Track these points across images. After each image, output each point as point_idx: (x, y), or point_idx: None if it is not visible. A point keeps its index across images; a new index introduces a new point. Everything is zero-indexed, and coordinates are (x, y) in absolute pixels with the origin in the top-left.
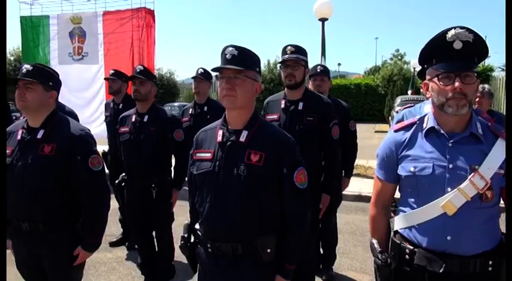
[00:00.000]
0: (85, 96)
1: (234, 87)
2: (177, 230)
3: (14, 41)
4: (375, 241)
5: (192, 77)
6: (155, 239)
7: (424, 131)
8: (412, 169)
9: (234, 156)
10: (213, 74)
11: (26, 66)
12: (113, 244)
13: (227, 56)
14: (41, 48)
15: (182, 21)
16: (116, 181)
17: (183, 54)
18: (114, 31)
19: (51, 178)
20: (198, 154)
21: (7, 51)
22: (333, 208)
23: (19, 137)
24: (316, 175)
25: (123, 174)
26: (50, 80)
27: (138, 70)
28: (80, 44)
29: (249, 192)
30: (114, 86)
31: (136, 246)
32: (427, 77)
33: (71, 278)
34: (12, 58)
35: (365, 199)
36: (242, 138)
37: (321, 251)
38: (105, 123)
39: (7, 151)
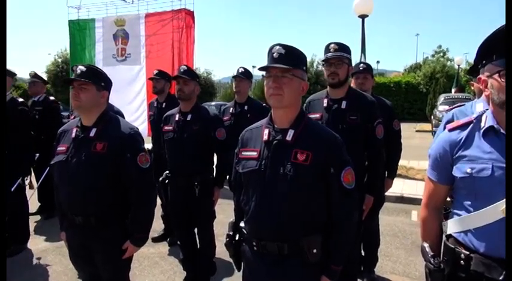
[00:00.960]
0: (127, 96)
1: (281, 86)
2: (216, 227)
3: (61, 44)
4: (426, 245)
5: (233, 76)
6: (197, 237)
7: (482, 130)
8: (468, 170)
9: (280, 155)
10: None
11: (80, 68)
12: (155, 240)
13: (274, 54)
14: (88, 50)
15: (218, 21)
16: (160, 179)
17: (219, 54)
18: (155, 33)
19: (103, 174)
20: (243, 153)
21: (55, 53)
22: (375, 209)
23: (73, 135)
24: (360, 175)
25: (167, 172)
26: (102, 81)
27: (182, 70)
28: (123, 45)
29: (295, 191)
30: (157, 85)
31: (178, 242)
32: (486, 73)
33: (119, 270)
34: (60, 60)
35: (406, 200)
36: (288, 138)
37: (362, 253)
38: (146, 122)
39: (62, 148)
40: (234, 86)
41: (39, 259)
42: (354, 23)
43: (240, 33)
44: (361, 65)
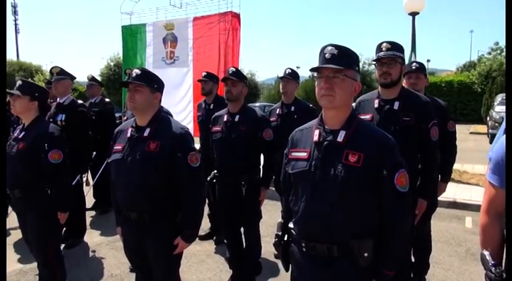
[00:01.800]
0: (174, 97)
1: (332, 86)
2: (261, 228)
3: (114, 49)
4: (486, 253)
5: (280, 77)
6: (243, 236)
7: None
8: None
9: (331, 156)
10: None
11: (136, 71)
12: (202, 238)
13: (326, 55)
14: (139, 53)
15: (262, 22)
16: (208, 178)
17: (263, 55)
18: (202, 35)
19: (156, 173)
20: (293, 153)
21: (108, 57)
22: (428, 214)
23: (128, 134)
24: (413, 178)
25: (215, 171)
26: (155, 83)
27: (230, 72)
28: (172, 48)
29: (346, 193)
30: (206, 87)
31: (225, 241)
32: None
33: (170, 265)
34: (112, 64)
35: (460, 206)
36: (340, 139)
37: (412, 258)
38: (192, 122)
39: (118, 147)
40: (281, 87)
41: (94, 251)
42: (403, 20)
43: (284, 34)
44: (414, 64)
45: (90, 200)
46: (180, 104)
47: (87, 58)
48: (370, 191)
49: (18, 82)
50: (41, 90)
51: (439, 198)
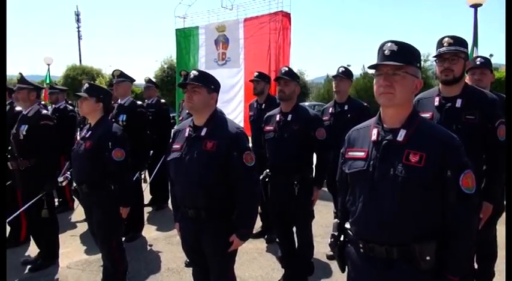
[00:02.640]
0: (226, 97)
1: (392, 84)
2: (313, 228)
3: (167, 51)
4: None
5: (333, 76)
6: (295, 235)
7: None
8: None
9: (391, 156)
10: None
11: (193, 72)
12: (253, 236)
13: (385, 52)
14: (192, 55)
15: (311, 20)
16: (260, 177)
17: (312, 54)
18: (253, 35)
19: (213, 171)
20: (350, 153)
21: (162, 60)
22: (493, 218)
23: (186, 134)
24: (478, 180)
25: (267, 170)
26: (212, 84)
27: (283, 71)
28: (223, 50)
29: (407, 194)
30: (258, 87)
31: (277, 240)
32: None
33: (225, 262)
34: (165, 66)
35: None
36: (400, 138)
37: (475, 265)
38: (242, 122)
39: (177, 146)
40: (333, 85)
41: (151, 246)
42: (464, 12)
43: (334, 31)
44: (479, 59)
45: (147, 197)
46: (231, 104)
47: (142, 61)
48: (432, 192)
49: (85, 85)
50: (105, 92)
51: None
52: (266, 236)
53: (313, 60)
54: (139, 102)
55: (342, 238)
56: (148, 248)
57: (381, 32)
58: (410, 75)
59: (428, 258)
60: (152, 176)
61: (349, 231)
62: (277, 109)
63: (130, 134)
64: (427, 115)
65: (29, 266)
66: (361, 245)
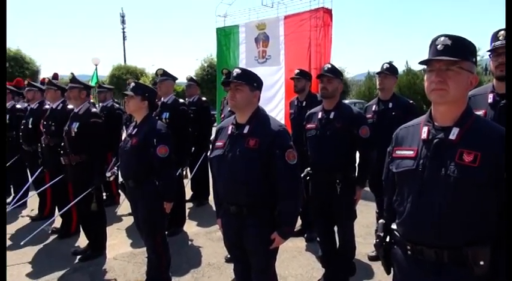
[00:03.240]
0: (267, 95)
1: (445, 80)
2: (354, 228)
3: (207, 50)
4: None
5: (377, 73)
6: (336, 235)
7: None
8: None
9: (442, 155)
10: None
11: (236, 70)
12: (293, 234)
13: (438, 46)
14: (232, 54)
15: (351, 17)
16: (302, 175)
17: (351, 51)
18: (293, 32)
19: (255, 169)
20: (398, 152)
21: (202, 59)
22: None
23: (229, 131)
24: None
25: (308, 168)
26: (254, 82)
27: (326, 68)
28: (263, 48)
29: (459, 195)
30: (298, 84)
31: (318, 239)
32: None
33: (267, 259)
34: (205, 65)
35: None
36: (452, 136)
37: None
38: (283, 120)
39: (220, 143)
40: (377, 82)
41: (191, 240)
42: None
43: (375, 27)
44: None
45: (188, 193)
46: (272, 102)
47: (183, 60)
48: (487, 194)
49: (132, 84)
50: (150, 91)
51: None
52: (306, 235)
53: (354, 57)
54: (181, 100)
55: (388, 239)
56: (189, 243)
57: (424, 27)
58: (465, 71)
59: (482, 263)
60: (193, 173)
61: (395, 232)
62: (319, 107)
63: (173, 131)
64: (480, 113)
65: (79, 256)
66: (408, 247)
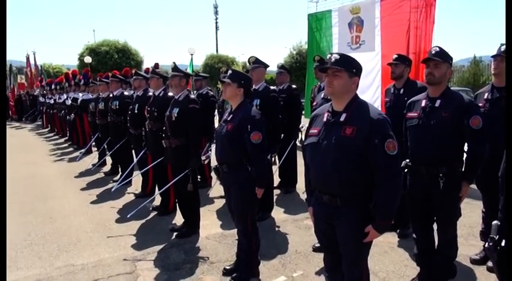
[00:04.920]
0: (361, 84)
1: None
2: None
3: (296, 38)
4: None
5: (492, 56)
6: (436, 233)
7: None
8: None
9: None
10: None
11: (335, 56)
12: None
13: None
14: (325, 40)
15: None
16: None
17: (453, 33)
18: (390, 15)
19: (350, 158)
20: None
21: (291, 46)
22: None
23: (325, 119)
24: None
25: (407, 160)
26: (353, 68)
27: (433, 52)
28: (357, 33)
29: None
30: (396, 70)
31: (414, 236)
32: None
33: (359, 253)
34: (294, 52)
35: None
36: None
37: None
38: (379, 108)
39: (314, 131)
40: (492, 67)
41: (279, 227)
42: None
43: (480, 6)
44: None
45: (275, 180)
46: (369, 91)
47: (272, 48)
48: None
49: (229, 71)
50: (246, 78)
51: None
52: (399, 230)
53: (456, 40)
54: (272, 88)
55: (503, 243)
56: (277, 229)
57: None
58: None
59: None
60: (282, 160)
61: None
62: (422, 94)
63: (264, 118)
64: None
65: (175, 233)
66: None
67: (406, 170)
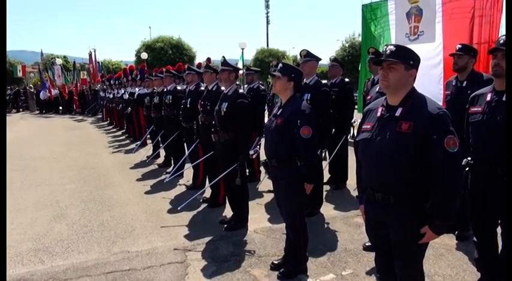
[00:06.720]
0: (420, 77)
1: None
2: None
3: (349, 30)
4: None
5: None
6: (500, 236)
7: None
8: None
9: None
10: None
11: (390, 48)
12: None
13: None
14: (380, 30)
15: None
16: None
17: None
18: (452, 1)
19: (406, 154)
20: None
21: (343, 39)
22: None
23: (379, 114)
24: None
25: (469, 158)
26: (410, 59)
27: (501, 41)
28: (416, 23)
29: None
30: (459, 62)
31: (474, 239)
32: None
33: (413, 254)
34: (347, 45)
35: None
36: None
37: None
38: (441, 102)
39: (367, 126)
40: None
41: (328, 224)
42: None
43: None
44: None
45: (325, 176)
46: (430, 85)
47: (323, 41)
48: None
49: (279, 65)
50: (296, 72)
51: None
52: (457, 232)
53: None
54: (324, 81)
55: None
56: (325, 226)
57: None
58: None
59: None
60: (332, 156)
61: None
62: (488, 87)
63: (314, 112)
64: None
65: (225, 225)
66: None
67: (467, 169)
